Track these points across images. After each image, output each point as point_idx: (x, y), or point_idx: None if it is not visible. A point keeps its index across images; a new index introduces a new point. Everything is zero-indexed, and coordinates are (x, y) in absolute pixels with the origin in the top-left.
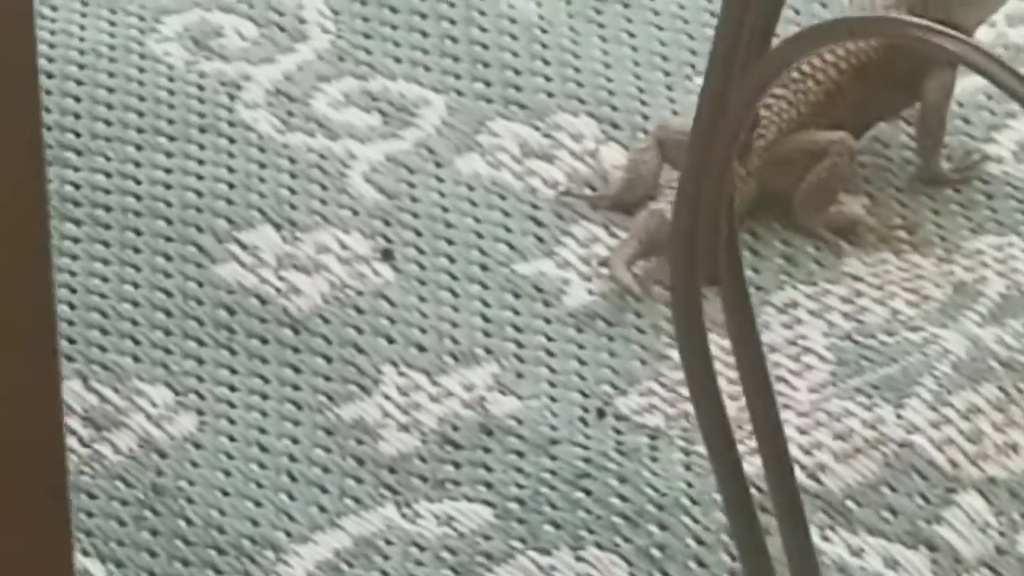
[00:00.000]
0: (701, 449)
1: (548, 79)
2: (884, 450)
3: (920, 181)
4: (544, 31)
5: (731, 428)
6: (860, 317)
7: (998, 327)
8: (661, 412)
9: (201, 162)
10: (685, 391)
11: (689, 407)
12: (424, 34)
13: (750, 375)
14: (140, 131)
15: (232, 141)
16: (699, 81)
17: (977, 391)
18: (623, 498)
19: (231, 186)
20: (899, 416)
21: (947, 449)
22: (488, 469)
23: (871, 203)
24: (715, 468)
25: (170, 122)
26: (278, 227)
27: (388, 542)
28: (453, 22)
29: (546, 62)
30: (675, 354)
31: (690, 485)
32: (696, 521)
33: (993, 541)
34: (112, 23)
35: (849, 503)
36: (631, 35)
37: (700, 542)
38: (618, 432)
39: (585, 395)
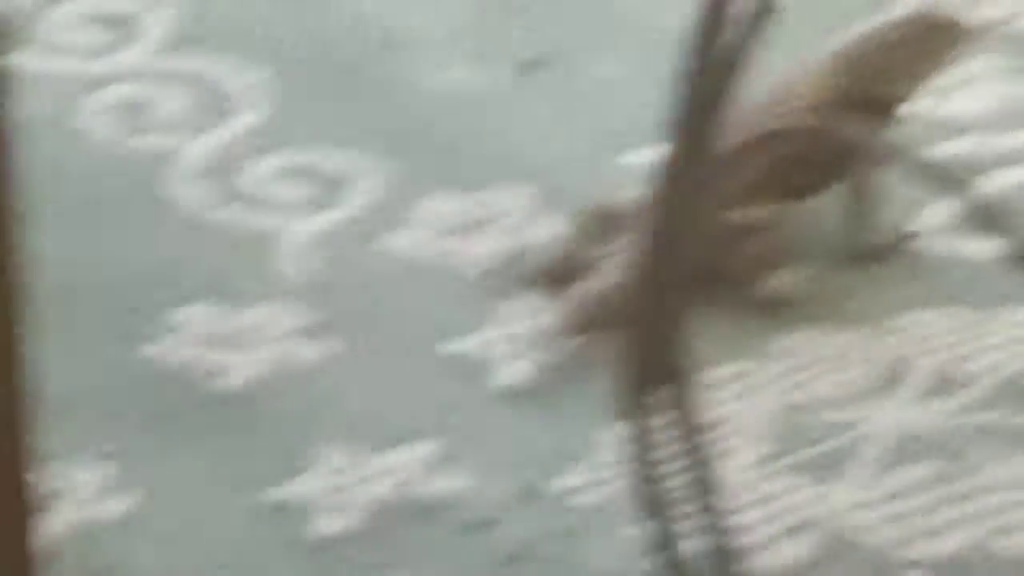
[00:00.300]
0: (637, 530)
1: (482, 152)
2: (814, 531)
3: (849, 256)
4: (479, 103)
5: (670, 507)
6: (790, 395)
7: (926, 406)
8: (596, 491)
9: (131, 238)
10: (620, 470)
11: (624, 486)
12: (356, 106)
13: (690, 456)
14: (69, 207)
15: (163, 216)
16: (633, 153)
17: (906, 472)
18: None
19: (162, 262)
20: (828, 497)
21: (876, 531)
22: (420, 551)
23: (802, 278)
24: (651, 548)
25: (97, 200)
26: (209, 303)
27: None
28: (386, 95)
29: (480, 135)
30: (610, 434)
31: (626, 565)
32: None
33: None
34: (39, 97)
35: None
36: (567, 107)
37: None
38: (553, 512)
39: (518, 475)
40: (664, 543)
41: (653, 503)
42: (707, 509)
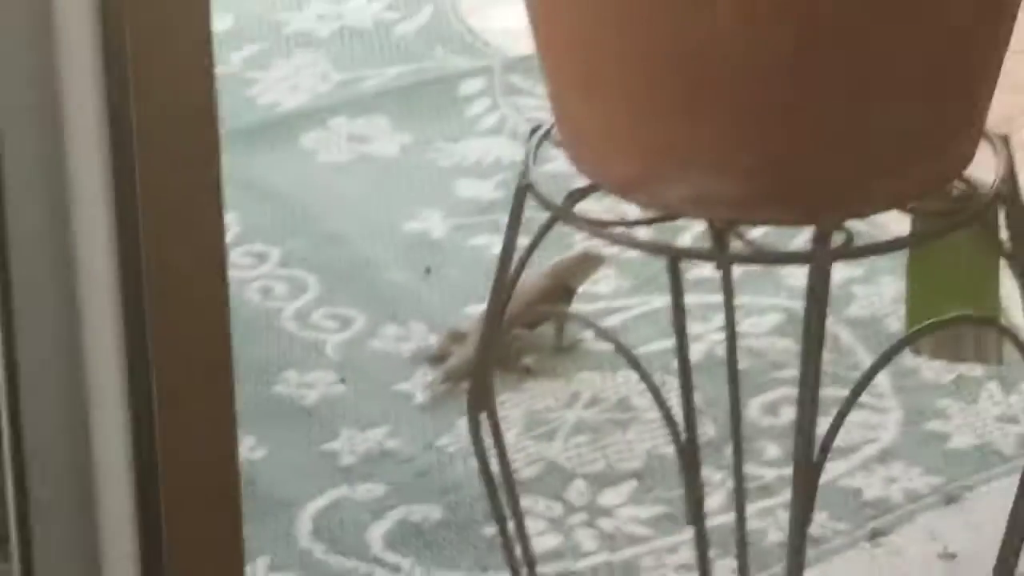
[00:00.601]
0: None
1: None
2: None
3: (555, 349)
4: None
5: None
6: (529, 405)
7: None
8: (462, 455)
9: None
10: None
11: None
12: None
13: (496, 445)
14: None
15: None
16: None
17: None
18: None
19: None
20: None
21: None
22: None
23: (535, 360)
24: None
25: None
26: None
27: None
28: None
29: None
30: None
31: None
32: None
33: None
34: None
35: None
36: None
37: None
38: (438, 461)
39: (423, 439)
40: (493, 498)
41: (485, 472)
42: (508, 483)
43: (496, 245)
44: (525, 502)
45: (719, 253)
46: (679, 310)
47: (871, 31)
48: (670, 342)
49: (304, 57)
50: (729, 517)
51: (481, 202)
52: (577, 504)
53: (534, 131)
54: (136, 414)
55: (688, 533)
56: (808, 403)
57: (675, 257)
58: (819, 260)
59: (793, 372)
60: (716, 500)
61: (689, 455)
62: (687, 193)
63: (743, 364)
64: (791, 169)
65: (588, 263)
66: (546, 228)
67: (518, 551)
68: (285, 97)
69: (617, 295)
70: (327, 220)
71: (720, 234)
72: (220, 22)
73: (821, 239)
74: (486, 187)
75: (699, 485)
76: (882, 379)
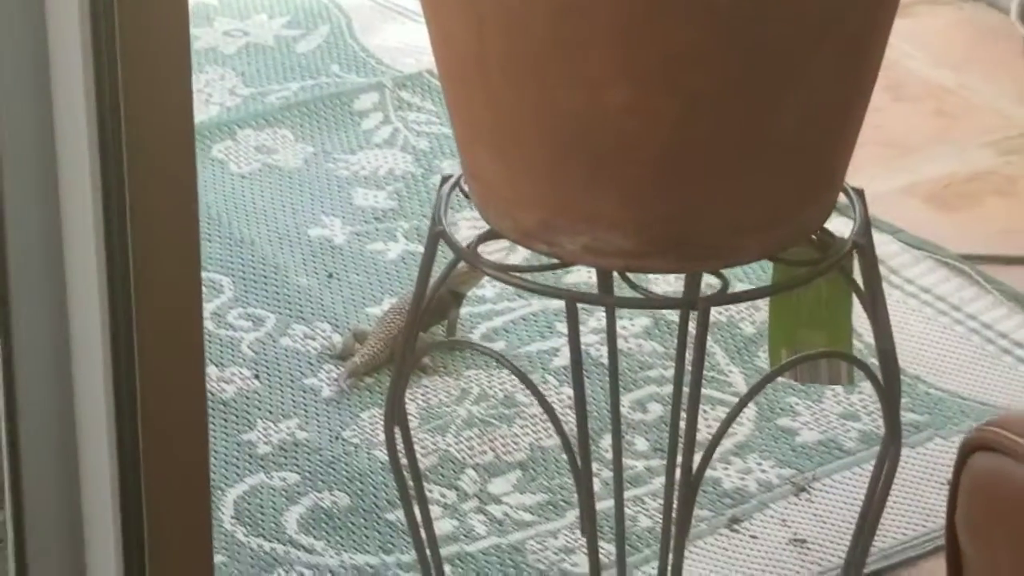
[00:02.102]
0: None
1: None
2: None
3: (447, 348)
4: None
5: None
6: (424, 400)
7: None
8: (369, 443)
9: None
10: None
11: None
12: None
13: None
14: None
15: None
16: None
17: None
18: None
19: None
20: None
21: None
22: None
23: (432, 359)
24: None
25: None
26: None
27: None
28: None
29: None
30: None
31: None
32: None
33: None
34: None
35: None
36: None
37: None
38: (354, 445)
39: (335, 430)
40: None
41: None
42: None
43: (391, 251)
44: None
45: (608, 297)
46: (575, 348)
47: (748, 104)
48: (548, 343)
49: (214, 72)
50: (606, 504)
51: (376, 210)
52: (469, 492)
53: (444, 180)
54: (120, 411)
55: (568, 519)
56: (690, 424)
57: (571, 300)
58: (697, 306)
59: (659, 372)
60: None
61: (582, 452)
62: (583, 244)
63: None
64: (675, 226)
65: (475, 272)
66: (452, 266)
67: (423, 533)
68: (199, 110)
69: (500, 299)
70: (239, 226)
71: (606, 275)
72: None
73: (695, 284)
74: (381, 196)
75: (590, 481)
76: (738, 378)
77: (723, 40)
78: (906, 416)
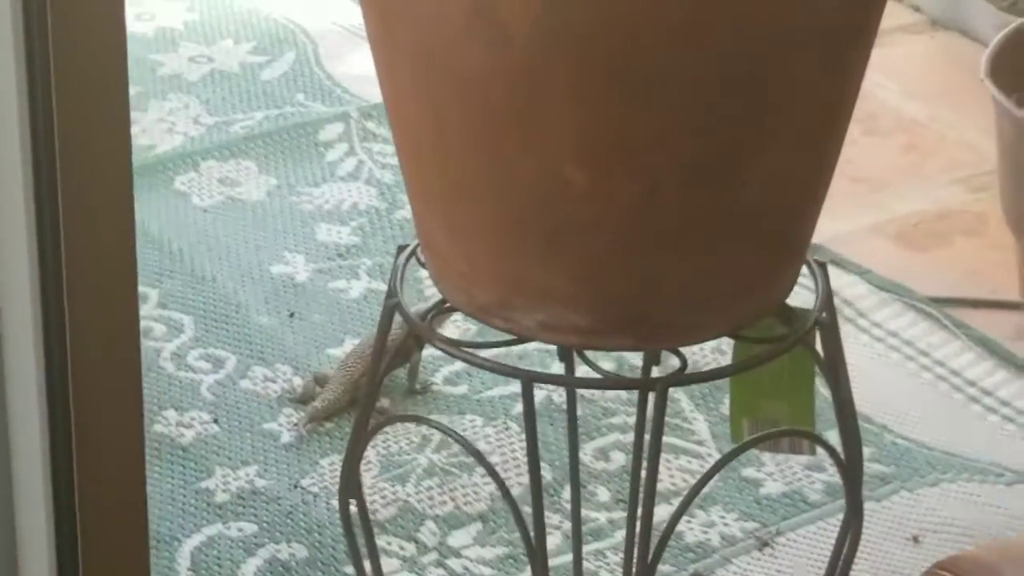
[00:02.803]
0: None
1: None
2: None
3: (410, 391)
4: None
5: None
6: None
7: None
8: (327, 483)
9: None
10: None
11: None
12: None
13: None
14: None
15: None
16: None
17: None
18: None
19: None
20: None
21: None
22: None
23: (389, 403)
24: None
25: None
26: None
27: None
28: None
29: None
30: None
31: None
32: None
33: None
34: None
35: None
36: None
37: None
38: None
39: (292, 474)
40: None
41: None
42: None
43: (353, 289)
44: (381, 542)
45: (565, 377)
46: (531, 433)
47: (710, 181)
48: (511, 387)
49: (178, 100)
50: (565, 559)
51: (340, 246)
52: (429, 544)
53: (400, 250)
54: (54, 443)
55: (528, 573)
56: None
57: (528, 380)
58: (655, 386)
59: (622, 419)
60: (553, 541)
61: (535, 508)
62: (539, 321)
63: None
64: (632, 305)
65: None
66: (405, 340)
67: None
68: (163, 139)
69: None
70: (201, 262)
71: (567, 353)
72: None
73: (654, 362)
74: (344, 232)
75: (543, 535)
76: (702, 426)
77: (683, 120)
78: (872, 467)
